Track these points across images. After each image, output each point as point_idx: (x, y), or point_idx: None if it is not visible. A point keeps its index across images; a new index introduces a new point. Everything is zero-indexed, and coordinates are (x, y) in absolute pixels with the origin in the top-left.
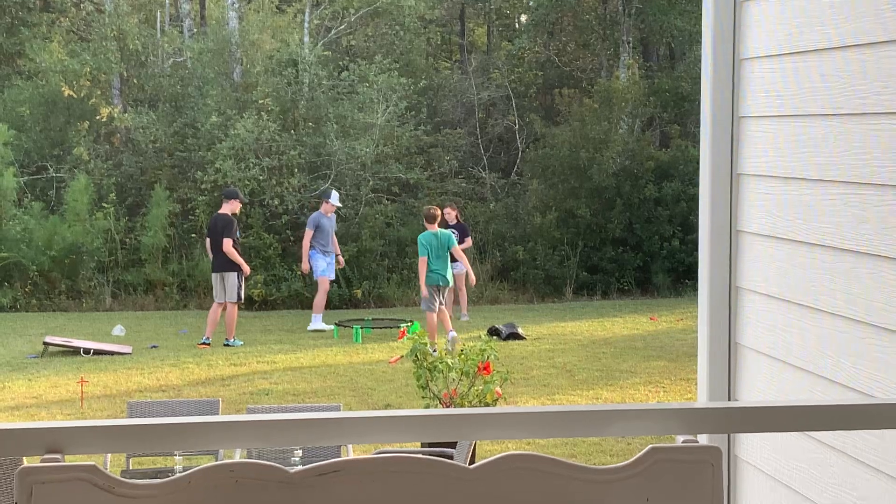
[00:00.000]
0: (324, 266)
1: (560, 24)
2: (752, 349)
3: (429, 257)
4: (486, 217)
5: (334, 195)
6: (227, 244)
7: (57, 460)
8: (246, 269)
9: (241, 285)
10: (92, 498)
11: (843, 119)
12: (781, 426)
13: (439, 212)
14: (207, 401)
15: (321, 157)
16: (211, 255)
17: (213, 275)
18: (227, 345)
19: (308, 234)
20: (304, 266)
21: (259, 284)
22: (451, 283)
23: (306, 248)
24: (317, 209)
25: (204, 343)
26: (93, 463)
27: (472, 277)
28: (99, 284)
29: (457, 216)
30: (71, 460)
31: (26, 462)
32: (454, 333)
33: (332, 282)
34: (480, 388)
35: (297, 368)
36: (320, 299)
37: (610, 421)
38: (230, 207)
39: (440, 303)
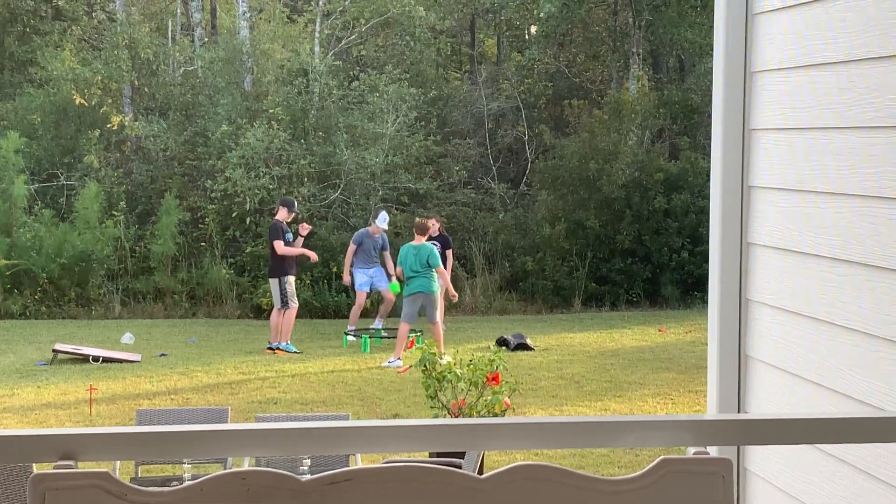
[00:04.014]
0: (362, 280)
1: (570, 35)
2: (762, 361)
3: (407, 269)
4: (494, 227)
5: (381, 217)
6: (279, 246)
7: (70, 467)
8: (313, 255)
9: (283, 290)
10: None
11: (854, 132)
12: (792, 439)
13: (429, 224)
14: (216, 409)
15: (331, 167)
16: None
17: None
18: (274, 349)
19: (351, 248)
20: (346, 278)
21: (267, 293)
22: (437, 292)
23: (348, 262)
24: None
25: (270, 349)
26: (106, 470)
27: (452, 293)
28: (108, 292)
29: (440, 228)
30: (81, 467)
31: (37, 469)
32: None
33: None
34: (489, 398)
35: (305, 377)
36: (355, 311)
37: (621, 432)
38: (281, 215)
39: (433, 316)
